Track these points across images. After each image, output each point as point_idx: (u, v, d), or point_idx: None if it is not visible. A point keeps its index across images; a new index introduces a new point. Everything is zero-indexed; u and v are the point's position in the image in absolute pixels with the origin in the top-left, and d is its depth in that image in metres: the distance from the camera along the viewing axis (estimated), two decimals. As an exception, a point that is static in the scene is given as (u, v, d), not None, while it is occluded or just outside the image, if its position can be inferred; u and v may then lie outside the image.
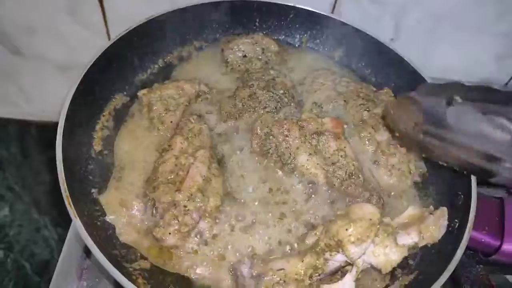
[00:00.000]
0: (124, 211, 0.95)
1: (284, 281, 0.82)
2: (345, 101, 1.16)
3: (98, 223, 0.91)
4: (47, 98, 1.74)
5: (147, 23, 1.16)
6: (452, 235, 0.91)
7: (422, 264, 0.93)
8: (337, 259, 0.83)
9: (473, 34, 1.47)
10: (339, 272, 0.86)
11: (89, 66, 1.02)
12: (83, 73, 1.01)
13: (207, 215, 0.93)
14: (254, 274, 0.84)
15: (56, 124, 0.94)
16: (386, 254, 0.81)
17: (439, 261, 0.88)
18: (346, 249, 0.81)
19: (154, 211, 0.92)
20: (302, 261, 0.83)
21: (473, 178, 0.96)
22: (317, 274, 0.82)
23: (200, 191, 0.92)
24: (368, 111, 1.14)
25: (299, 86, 1.22)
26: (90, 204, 0.93)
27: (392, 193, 1.04)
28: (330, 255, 0.82)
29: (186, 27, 1.25)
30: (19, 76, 1.67)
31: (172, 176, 0.94)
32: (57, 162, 0.86)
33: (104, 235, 0.90)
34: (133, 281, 0.81)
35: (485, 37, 1.48)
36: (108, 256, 0.79)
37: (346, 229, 0.82)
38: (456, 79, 1.57)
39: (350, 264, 0.83)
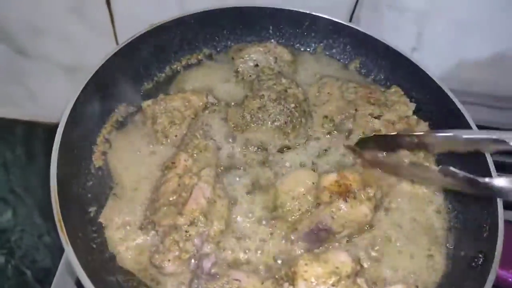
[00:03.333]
0: (123, 232, 0.89)
1: None
2: (356, 109, 1.10)
3: (94, 245, 0.86)
4: (53, 99, 1.69)
5: (155, 30, 1.10)
6: (476, 272, 0.83)
7: (442, 303, 0.86)
8: None
9: (501, 45, 1.38)
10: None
11: (90, 76, 0.97)
12: (84, 83, 0.95)
13: (210, 239, 0.87)
14: (212, 272, 0.82)
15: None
16: None
17: (461, 301, 0.81)
18: (296, 283, 0.76)
19: (154, 235, 0.87)
20: (262, 283, 0.80)
21: (500, 207, 0.89)
22: None
23: (204, 215, 0.86)
24: (378, 118, 1.07)
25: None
26: (87, 225, 0.88)
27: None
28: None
29: (195, 34, 1.19)
30: (25, 77, 1.64)
31: (175, 197, 0.88)
32: (51, 181, 0.81)
33: (100, 259, 0.85)
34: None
35: (514, 48, 1.39)
36: (102, 285, 0.74)
37: (306, 264, 0.77)
38: (482, 92, 1.48)
39: None
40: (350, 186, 0.89)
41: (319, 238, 0.89)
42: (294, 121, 1.07)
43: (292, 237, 0.90)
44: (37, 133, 1.79)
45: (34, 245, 1.57)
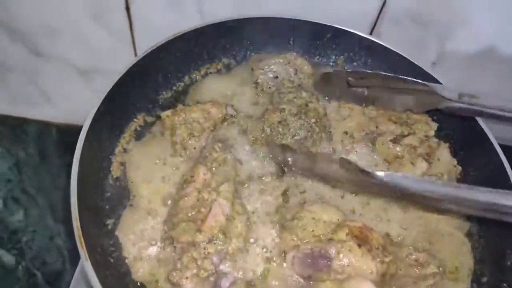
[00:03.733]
0: (139, 246, 0.88)
1: None
2: (377, 127, 1.09)
3: (112, 260, 0.85)
4: (68, 101, 1.70)
5: (175, 39, 1.08)
6: (499, 302, 0.82)
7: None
8: None
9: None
10: None
11: (111, 87, 0.96)
12: (105, 94, 0.94)
13: (228, 257, 0.86)
14: None
15: (77, 127, 0.89)
16: None
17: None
18: None
19: (172, 250, 0.86)
20: None
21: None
22: None
23: (222, 232, 0.85)
24: (398, 142, 1.05)
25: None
26: (104, 238, 0.87)
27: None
28: None
29: (215, 43, 1.18)
30: (39, 77, 1.63)
31: (194, 213, 0.87)
32: (71, 196, 0.80)
33: (117, 274, 0.84)
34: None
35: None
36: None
37: None
38: (502, 108, 1.45)
39: None
40: (370, 240, 0.85)
41: (315, 265, 0.84)
42: (315, 136, 1.05)
43: (291, 254, 0.87)
44: (50, 133, 1.79)
45: (45, 247, 1.56)
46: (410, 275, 0.88)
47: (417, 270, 0.88)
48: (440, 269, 0.87)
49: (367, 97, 1.12)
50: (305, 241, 0.87)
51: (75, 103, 1.60)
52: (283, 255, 0.89)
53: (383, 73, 1.09)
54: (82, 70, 1.57)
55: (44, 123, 1.78)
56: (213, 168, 0.95)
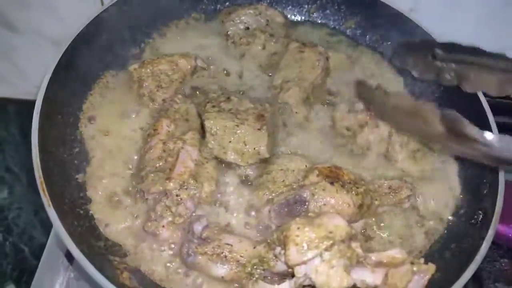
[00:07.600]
0: (109, 200, 0.87)
1: (226, 257, 0.77)
2: None
3: (81, 211, 0.84)
4: (44, 75, 1.66)
5: (140, -8, 1.05)
6: (475, 228, 0.81)
7: (441, 261, 0.82)
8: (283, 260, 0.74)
9: (501, 6, 1.32)
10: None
11: (72, 39, 0.93)
12: (66, 46, 0.92)
13: (202, 201, 0.85)
14: (203, 235, 0.80)
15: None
16: (329, 276, 0.69)
17: (460, 257, 0.79)
18: (287, 248, 0.71)
19: (143, 204, 0.85)
20: (254, 248, 0.78)
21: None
22: (261, 268, 0.76)
23: (193, 177, 0.84)
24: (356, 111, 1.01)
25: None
26: (74, 191, 0.86)
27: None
28: (279, 252, 0.74)
29: (183, -3, 1.15)
30: (14, 53, 1.60)
31: (161, 163, 0.85)
32: (32, 146, 0.79)
33: (88, 224, 0.83)
34: (117, 276, 0.74)
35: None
36: (87, 249, 0.72)
37: (298, 228, 0.72)
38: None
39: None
40: (341, 176, 0.84)
41: (292, 212, 0.82)
42: None
43: (266, 209, 0.86)
44: (30, 111, 1.76)
45: (31, 223, 1.56)
46: (386, 203, 0.87)
47: (392, 197, 0.87)
48: (412, 191, 0.87)
49: (454, 74, 0.96)
50: (278, 193, 0.86)
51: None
52: (253, 212, 0.88)
53: (481, 48, 0.92)
54: (56, 41, 1.54)
55: (23, 101, 1.76)
56: (176, 120, 0.93)
